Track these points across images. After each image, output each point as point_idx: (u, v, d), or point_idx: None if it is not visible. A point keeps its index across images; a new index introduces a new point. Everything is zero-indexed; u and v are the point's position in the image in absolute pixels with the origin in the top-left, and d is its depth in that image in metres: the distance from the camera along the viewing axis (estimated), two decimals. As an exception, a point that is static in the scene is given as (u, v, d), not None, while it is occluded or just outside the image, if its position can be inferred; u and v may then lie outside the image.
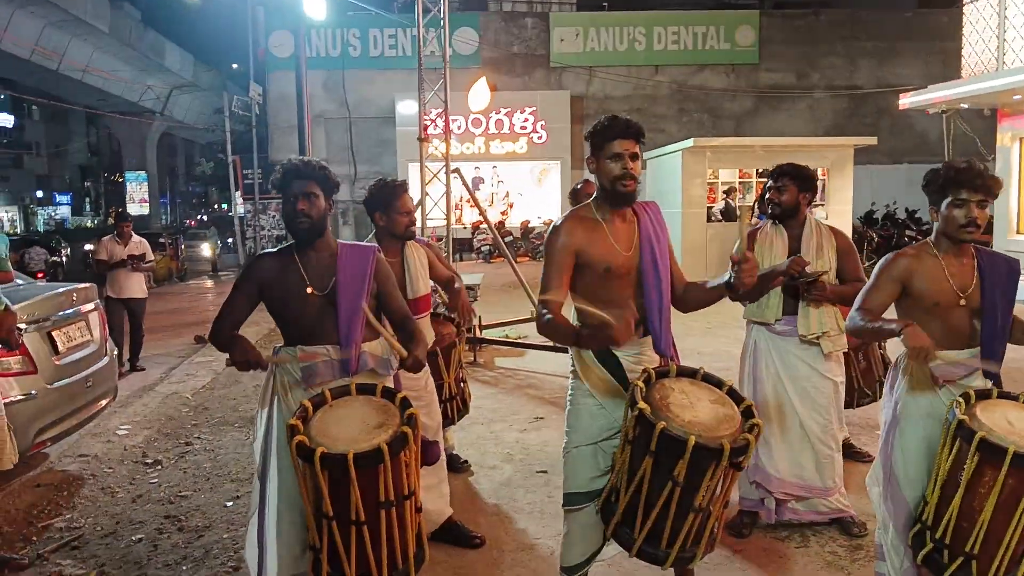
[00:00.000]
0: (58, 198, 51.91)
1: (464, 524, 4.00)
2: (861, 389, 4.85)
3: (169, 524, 4.32)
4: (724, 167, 15.29)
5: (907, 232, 17.27)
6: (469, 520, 4.13)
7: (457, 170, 8.38)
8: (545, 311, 2.76)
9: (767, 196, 4.00)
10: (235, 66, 29.90)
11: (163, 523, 4.34)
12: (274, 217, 22.89)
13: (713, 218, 14.81)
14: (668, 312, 2.89)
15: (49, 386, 4.88)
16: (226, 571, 3.73)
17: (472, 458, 5.16)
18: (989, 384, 2.88)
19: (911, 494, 2.86)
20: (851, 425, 5.14)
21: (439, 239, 18.57)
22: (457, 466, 4.97)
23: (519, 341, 8.91)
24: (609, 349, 2.83)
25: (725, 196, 14.95)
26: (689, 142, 14.82)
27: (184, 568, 3.79)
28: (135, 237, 8.82)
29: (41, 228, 44.96)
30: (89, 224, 50.76)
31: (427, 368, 4.05)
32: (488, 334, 9.09)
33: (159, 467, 5.34)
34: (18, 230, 42.14)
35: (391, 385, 2.86)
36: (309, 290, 2.79)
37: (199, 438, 5.97)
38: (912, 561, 2.84)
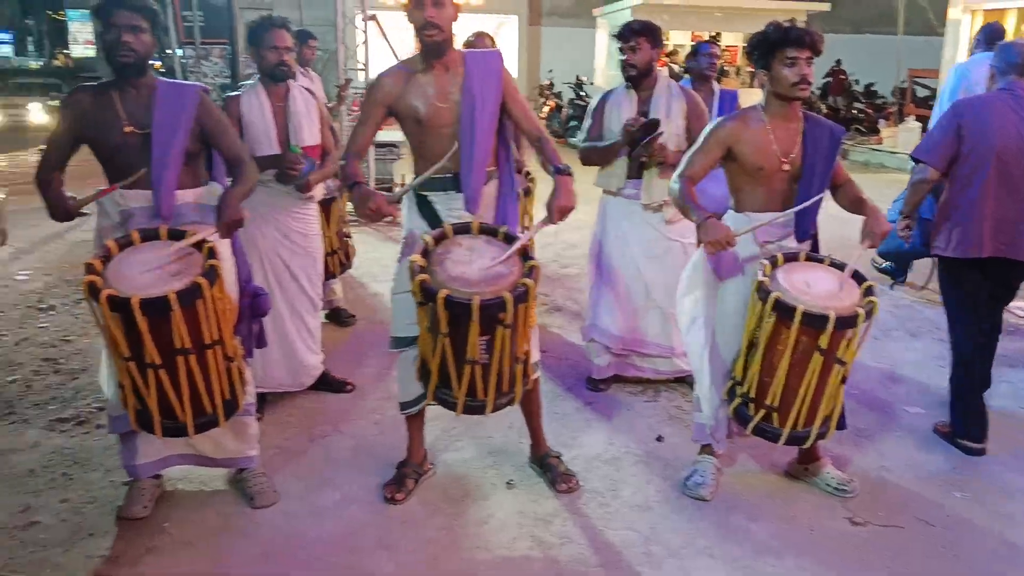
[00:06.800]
0: (-2, 36, 48.83)
1: (337, 374, 4.13)
2: None
3: (47, 367, 4.40)
4: (676, 28, 14.86)
5: (856, 104, 16.98)
6: (346, 371, 4.25)
7: (374, 17, 7.99)
8: (342, 161, 2.92)
9: (623, 60, 3.82)
10: None
11: (41, 365, 4.41)
12: (217, 64, 21.84)
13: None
14: (482, 170, 2.85)
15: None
16: (91, 411, 3.83)
17: (362, 312, 5.25)
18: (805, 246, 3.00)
19: (727, 352, 3.02)
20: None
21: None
22: (343, 319, 5.07)
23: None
24: (426, 198, 2.89)
25: (668, 59, 14.57)
26: None
27: (52, 407, 3.88)
28: None
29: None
30: (33, 65, 48.05)
31: (316, 220, 4.02)
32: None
33: (52, 312, 5.36)
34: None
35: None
36: (127, 128, 2.69)
37: (99, 285, 5.95)
38: (724, 412, 3.04)
